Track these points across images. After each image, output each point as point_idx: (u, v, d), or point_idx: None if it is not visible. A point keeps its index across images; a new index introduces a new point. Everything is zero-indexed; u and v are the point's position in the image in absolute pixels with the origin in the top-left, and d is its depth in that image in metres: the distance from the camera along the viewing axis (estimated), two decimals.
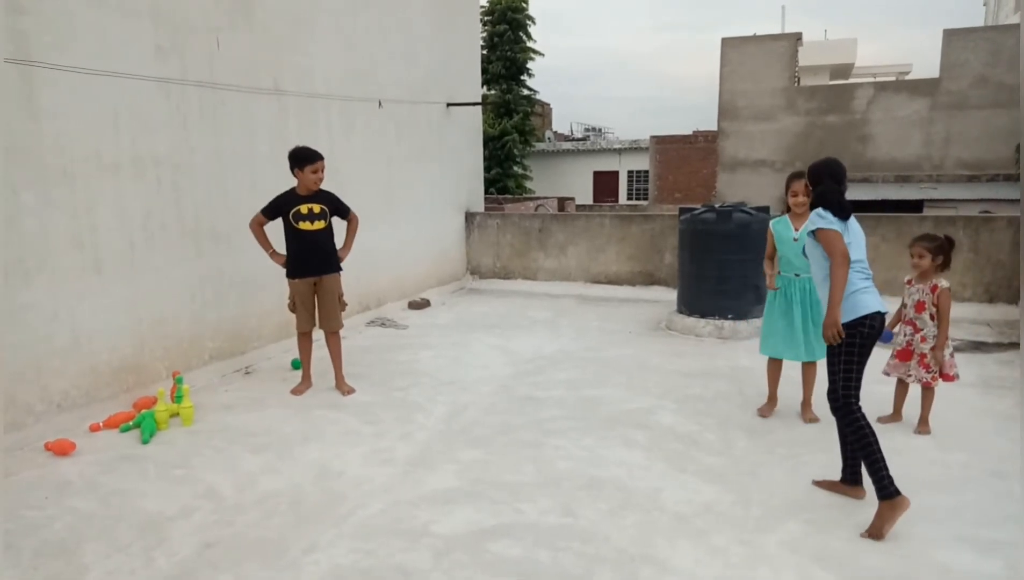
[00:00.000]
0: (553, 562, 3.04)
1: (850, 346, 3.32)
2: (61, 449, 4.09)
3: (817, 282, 3.56)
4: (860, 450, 3.26)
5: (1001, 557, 3.00)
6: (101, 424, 4.51)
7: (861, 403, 3.36)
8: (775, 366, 4.82)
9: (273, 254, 5.23)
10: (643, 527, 3.33)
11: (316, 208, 5.14)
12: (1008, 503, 3.42)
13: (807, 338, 4.60)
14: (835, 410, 3.38)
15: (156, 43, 5.08)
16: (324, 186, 5.25)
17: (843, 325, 3.29)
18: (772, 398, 4.83)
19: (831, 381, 3.40)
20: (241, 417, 4.75)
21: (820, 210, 3.48)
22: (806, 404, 4.70)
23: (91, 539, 3.21)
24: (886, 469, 3.18)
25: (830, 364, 3.40)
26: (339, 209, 5.30)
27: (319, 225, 5.15)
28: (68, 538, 3.22)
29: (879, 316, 3.35)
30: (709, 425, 4.59)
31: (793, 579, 2.91)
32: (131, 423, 4.51)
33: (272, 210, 5.17)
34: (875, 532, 3.15)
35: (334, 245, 5.30)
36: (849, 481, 3.58)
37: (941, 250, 4.27)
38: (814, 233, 3.46)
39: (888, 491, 3.16)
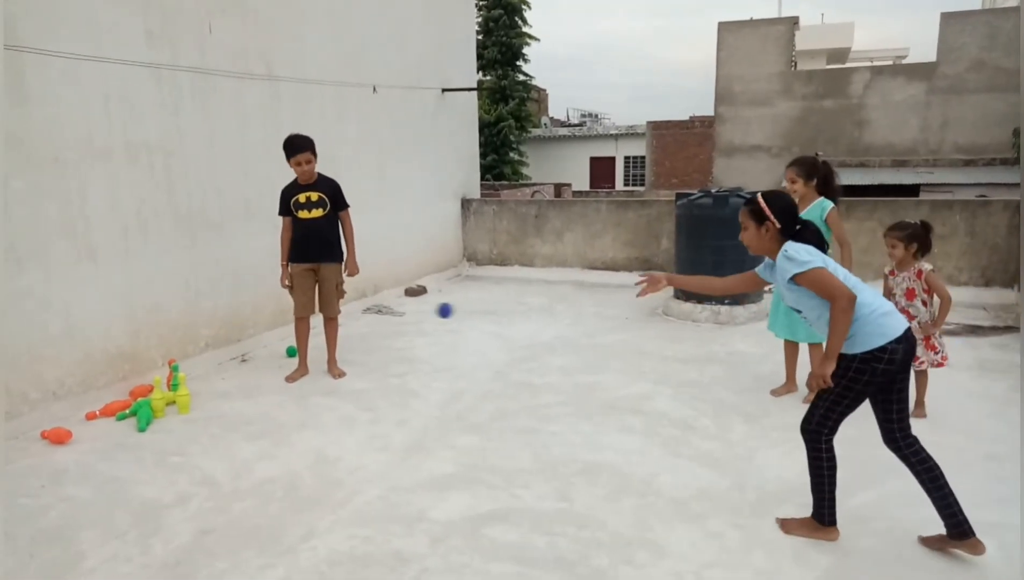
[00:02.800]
0: (549, 547, 3.04)
1: (854, 380, 2.84)
2: (57, 437, 4.08)
3: (812, 321, 3.03)
4: (813, 473, 3.06)
5: (994, 539, 3.01)
6: (97, 412, 4.50)
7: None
8: (791, 349, 4.88)
9: (284, 267, 5.24)
10: (639, 512, 3.34)
11: (314, 196, 5.14)
12: (1002, 486, 3.44)
13: (791, 318, 4.68)
14: (803, 430, 3.06)
15: (146, 28, 5.03)
16: (323, 172, 5.26)
17: (857, 357, 2.82)
18: (790, 380, 4.89)
19: (813, 405, 3.03)
20: (237, 404, 4.75)
21: (785, 247, 2.94)
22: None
23: (88, 526, 3.21)
24: (831, 499, 3.03)
25: (822, 391, 2.95)
26: (336, 200, 5.25)
27: (317, 213, 5.15)
28: (65, 526, 3.22)
29: (902, 342, 2.80)
30: (705, 410, 4.60)
31: (789, 562, 2.93)
32: (127, 411, 4.50)
33: (283, 207, 5.21)
34: (786, 527, 3.14)
35: (336, 234, 5.28)
36: (956, 535, 2.92)
37: (914, 237, 4.19)
38: (792, 280, 2.90)
39: (823, 517, 3.05)
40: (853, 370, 2.84)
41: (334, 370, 5.36)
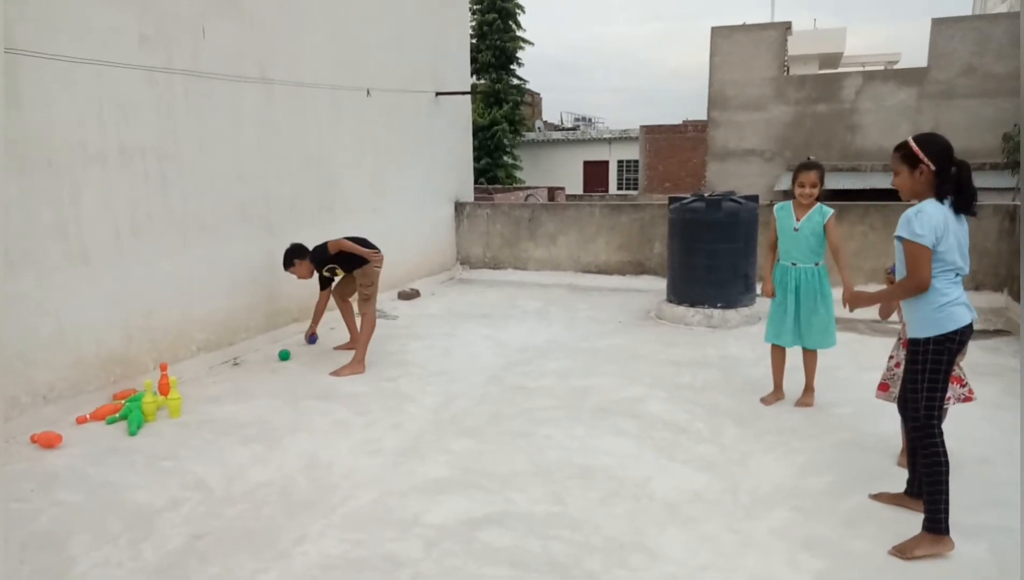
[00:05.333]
0: (544, 551, 3.04)
1: (936, 362, 2.97)
2: (47, 442, 4.05)
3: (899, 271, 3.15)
4: (929, 475, 2.98)
5: (986, 541, 3.03)
6: (88, 416, 4.47)
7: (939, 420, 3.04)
8: (779, 356, 4.84)
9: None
10: (633, 515, 3.34)
11: (326, 272, 5.89)
12: (993, 489, 3.46)
13: (800, 326, 4.66)
14: (914, 429, 3.05)
15: (141, 31, 5.01)
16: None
17: (931, 340, 2.98)
18: (778, 388, 4.86)
19: (912, 400, 3.05)
20: (229, 408, 4.72)
21: (922, 205, 2.95)
22: (808, 389, 4.76)
23: (79, 531, 3.19)
24: (946, 505, 2.95)
25: (911, 382, 3.06)
26: (335, 260, 5.71)
27: (340, 273, 5.97)
28: (56, 530, 3.19)
29: (969, 328, 3.01)
30: (698, 414, 4.61)
31: (782, 565, 2.93)
32: (118, 415, 4.48)
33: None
34: (905, 551, 2.97)
35: (355, 262, 5.68)
36: (916, 494, 3.27)
37: None
38: (896, 238, 3.03)
39: (939, 527, 2.96)
40: (933, 353, 2.99)
41: (346, 369, 5.52)
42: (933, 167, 2.95)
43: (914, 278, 2.96)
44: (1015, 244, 7.28)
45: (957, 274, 3.01)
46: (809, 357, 4.76)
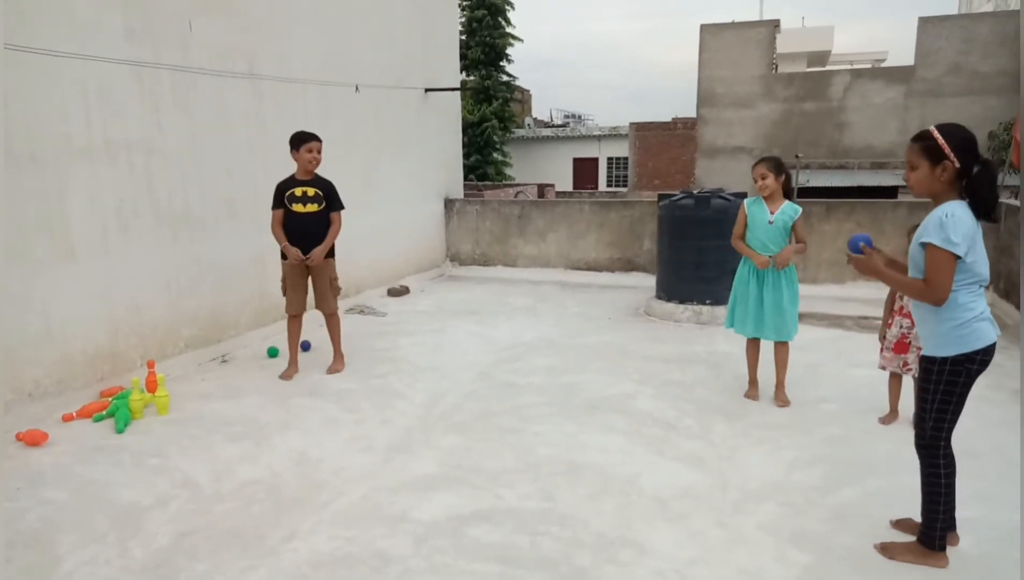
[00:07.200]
0: (532, 547, 3.05)
1: (951, 383, 2.73)
2: (33, 439, 4.01)
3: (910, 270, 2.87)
4: (927, 492, 2.86)
5: (971, 534, 3.06)
6: (74, 414, 4.44)
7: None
8: (753, 350, 4.88)
9: (286, 246, 5.17)
10: (622, 511, 3.35)
11: (310, 191, 5.19)
12: (978, 482, 3.49)
13: (767, 317, 4.69)
14: (918, 447, 2.89)
15: (127, 25, 4.97)
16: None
17: (950, 359, 2.71)
18: (754, 381, 4.89)
19: (920, 416, 2.87)
20: (218, 405, 4.70)
21: (953, 208, 2.63)
22: (779, 387, 4.76)
23: (65, 530, 3.16)
24: (943, 523, 2.84)
25: (921, 399, 2.84)
26: (331, 199, 5.27)
27: (312, 208, 5.19)
28: (42, 529, 3.17)
29: (993, 347, 2.73)
30: (687, 410, 4.63)
31: (771, 560, 2.95)
32: (105, 413, 4.44)
33: (277, 199, 5.23)
34: (891, 553, 2.94)
35: (326, 231, 5.26)
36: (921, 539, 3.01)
37: None
38: (923, 244, 2.69)
39: (932, 542, 2.86)
40: (950, 372, 2.74)
41: (338, 365, 5.46)
42: (958, 164, 2.63)
43: (934, 291, 2.64)
44: (1001, 241, 7.34)
45: (980, 285, 2.73)
46: (782, 352, 4.76)
